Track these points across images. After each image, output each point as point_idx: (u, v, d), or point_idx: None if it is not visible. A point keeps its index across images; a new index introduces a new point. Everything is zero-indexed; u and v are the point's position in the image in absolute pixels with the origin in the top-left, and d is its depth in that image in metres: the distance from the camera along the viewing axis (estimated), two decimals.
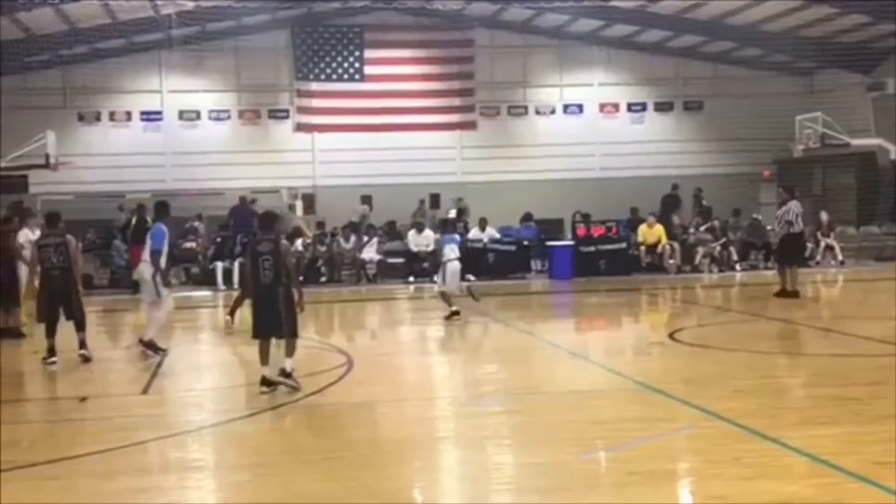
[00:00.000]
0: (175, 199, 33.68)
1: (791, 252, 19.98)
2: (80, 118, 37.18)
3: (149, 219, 25.21)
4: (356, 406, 9.91)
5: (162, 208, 14.18)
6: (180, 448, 8.32)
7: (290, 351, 10.56)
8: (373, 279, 25.57)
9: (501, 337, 15.83)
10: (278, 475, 7.21)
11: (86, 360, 12.88)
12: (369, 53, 38.17)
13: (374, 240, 26.63)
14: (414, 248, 25.92)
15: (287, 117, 38.56)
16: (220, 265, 23.69)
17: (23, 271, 15.71)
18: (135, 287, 22.44)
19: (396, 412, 9.75)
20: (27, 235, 18.08)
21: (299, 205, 34.53)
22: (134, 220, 25.25)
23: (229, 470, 7.57)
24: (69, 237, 13.55)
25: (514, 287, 23.93)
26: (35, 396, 11.18)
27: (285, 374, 10.43)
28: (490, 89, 38.85)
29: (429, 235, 25.97)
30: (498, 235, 27.19)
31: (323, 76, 38.26)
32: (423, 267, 25.50)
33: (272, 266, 10.36)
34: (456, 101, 38.87)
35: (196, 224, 28.17)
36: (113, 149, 36.67)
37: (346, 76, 38.28)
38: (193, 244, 26.48)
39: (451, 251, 16.82)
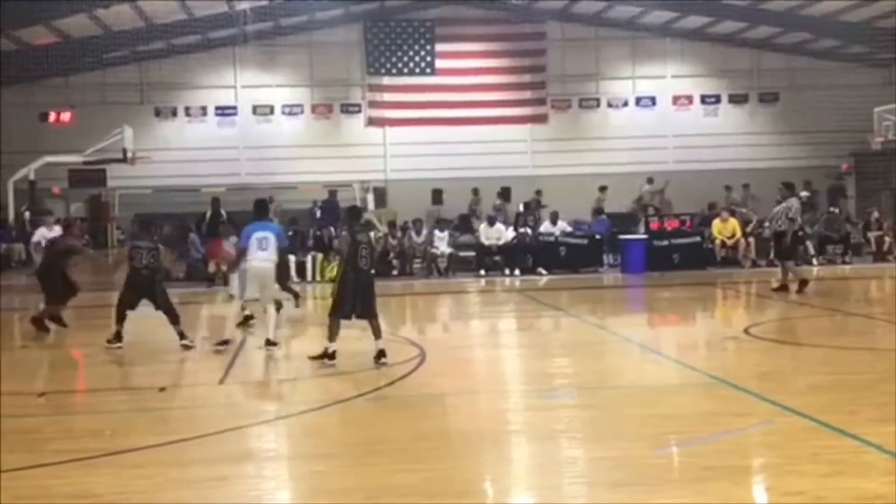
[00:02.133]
0: (248, 193, 34.43)
1: (793, 248, 20.50)
2: (157, 113, 37.84)
3: (223, 212, 25.65)
4: (430, 398, 9.95)
5: (260, 206, 14.23)
6: (257, 438, 8.45)
7: (380, 333, 11.70)
8: (444, 272, 25.63)
9: (573, 331, 15.78)
10: (355, 466, 7.29)
11: (187, 348, 13.39)
12: (440, 47, 38.26)
13: (446, 233, 26.69)
14: (485, 242, 25.93)
15: (359, 111, 38.82)
16: (292, 258, 23.89)
17: None
18: (210, 280, 22.82)
19: (469, 404, 9.78)
20: (44, 234, 18.52)
21: (371, 198, 34.75)
22: (209, 214, 25.62)
23: (306, 460, 7.66)
24: (161, 247, 14.16)
25: (586, 281, 23.82)
26: (115, 386, 11.40)
27: (383, 354, 11.53)
28: (562, 82, 38.69)
29: (500, 229, 25.97)
30: (570, 229, 27.08)
31: (394, 70, 38.44)
32: (494, 260, 25.51)
33: (369, 254, 11.75)
34: (527, 95, 38.79)
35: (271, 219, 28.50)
36: (188, 143, 37.27)
37: (417, 70, 38.42)
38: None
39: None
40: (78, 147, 31.65)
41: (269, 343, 12.98)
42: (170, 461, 7.51)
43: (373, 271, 12.22)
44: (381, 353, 11.58)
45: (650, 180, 33.77)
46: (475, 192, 33.38)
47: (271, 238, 13.26)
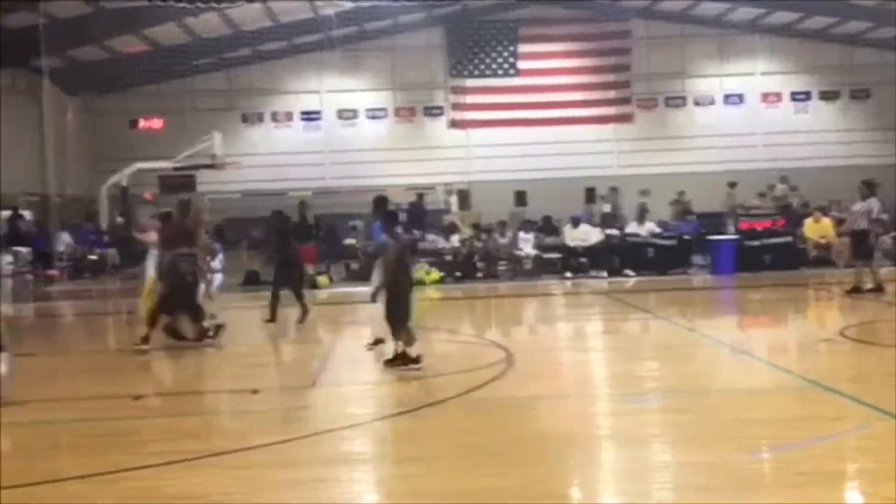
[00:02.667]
0: (333, 197, 34.88)
1: (869, 248, 20.01)
2: (245, 119, 38.50)
3: (309, 216, 25.99)
4: (518, 401, 9.98)
5: (381, 204, 14.33)
6: (350, 441, 8.56)
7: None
8: (529, 274, 25.60)
9: (662, 333, 15.64)
10: (447, 469, 7.35)
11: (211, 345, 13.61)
12: (523, 48, 38.26)
13: (531, 235, 26.66)
14: (570, 243, 25.84)
15: (442, 114, 39.01)
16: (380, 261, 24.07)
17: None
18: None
19: (559, 408, 9.78)
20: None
21: (454, 200, 34.88)
22: (296, 218, 25.94)
23: (400, 463, 7.75)
24: (210, 245, 14.31)
25: (674, 282, 23.58)
26: (209, 389, 11.64)
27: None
28: (647, 81, 38.41)
29: (586, 230, 25.86)
30: (657, 229, 26.84)
31: (477, 72, 38.54)
32: (579, 262, 25.40)
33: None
34: (612, 94, 38.59)
35: (356, 222, 28.81)
36: (275, 148, 37.87)
37: (500, 71, 38.47)
38: (354, 240, 27.06)
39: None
40: (168, 153, 32.36)
41: (378, 341, 13.21)
42: (269, 462, 7.66)
43: (458, 274, 12.30)
44: (413, 359, 11.61)
45: (784, 179, 32.96)
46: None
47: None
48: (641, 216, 26.79)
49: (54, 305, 22.88)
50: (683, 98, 38.72)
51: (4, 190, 29.32)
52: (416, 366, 11.56)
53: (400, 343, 11.62)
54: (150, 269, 16.21)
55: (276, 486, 7.01)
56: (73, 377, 12.41)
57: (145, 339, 13.67)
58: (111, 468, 7.45)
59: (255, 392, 10.63)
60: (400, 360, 11.64)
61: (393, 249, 11.89)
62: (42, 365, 13.61)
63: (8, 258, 28.65)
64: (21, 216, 30.82)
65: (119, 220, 33.17)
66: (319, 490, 6.89)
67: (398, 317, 11.62)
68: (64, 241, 30.39)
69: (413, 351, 11.67)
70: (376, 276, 13.22)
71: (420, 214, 28.45)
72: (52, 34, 27.86)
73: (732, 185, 31.54)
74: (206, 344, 13.78)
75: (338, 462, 7.71)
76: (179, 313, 13.96)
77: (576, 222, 26.49)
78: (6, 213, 30.32)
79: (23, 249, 29.46)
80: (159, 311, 13.95)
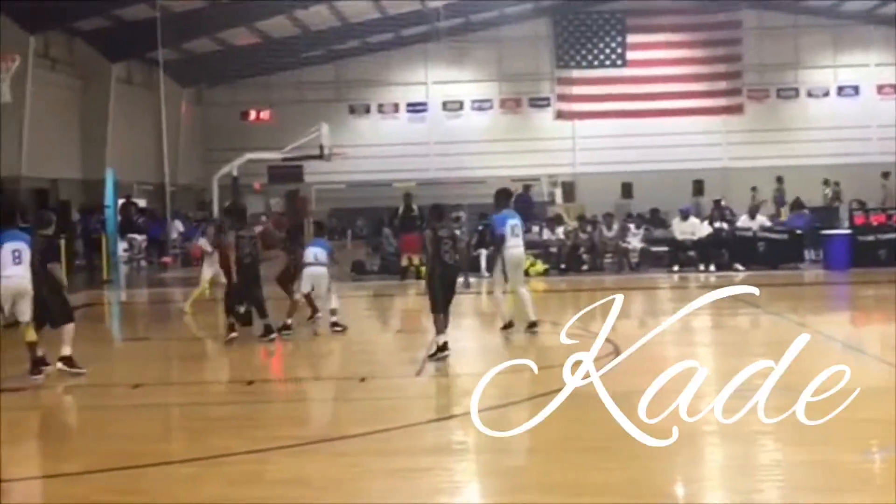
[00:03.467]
0: (437, 188, 35.00)
1: None
2: (352, 110, 38.91)
3: (415, 207, 26.11)
4: (625, 395, 9.84)
5: (503, 196, 14.59)
6: (454, 431, 8.57)
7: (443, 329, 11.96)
8: (635, 267, 25.29)
9: (772, 329, 15.28)
10: (552, 462, 7.31)
11: (271, 340, 13.42)
12: (631, 38, 37.85)
13: (640, 228, 26.33)
14: (679, 237, 25.44)
15: (548, 105, 38.82)
16: (483, 252, 24.08)
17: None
18: (403, 273, 23.29)
19: (665, 403, 9.62)
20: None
21: (559, 192, 34.67)
22: (401, 209, 26.10)
23: (504, 454, 7.70)
24: (267, 229, 14.21)
25: (786, 277, 23.00)
26: (316, 376, 11.77)
27: (444, 348, 11.76)
28: (758, 72, 37.63)
29: (694, 223, 25.42)
30: (768, 223, 26.23)
31: (584, 63, 38.25)
32: (687, 255, 24.99)
33: (451, 248, 12.15)
34: (721, 85, 37.91)
35: (460, 214, 28.88)
36: (381, 139, 38.18)
37: (607, 62, 38.10)
38: (458, 231, 27.05)
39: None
40: (277, 144, 32.85)
41: (532, 325, 13.33)
42: (374, 450, 7.72)
43: (563, 266, 12.44)
44: (441, 348, 11.78)
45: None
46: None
47: (519, 225, 14.07)
48: (753, 210, 26.23)
49: (167, 291, 23.45)
50: (796, 90, 37.82)
51: (120, 178, 30.16)
52: (442, 354, 11.75)
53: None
54: (207, 272, 16.69)
55: (379, 474, 7.06)
56: (185, 362, 12.71)
57: (230, 329, 13.55)
58: (220, 452, 7.59)
59: (362, 380, 10.72)
60: (438, 349, 11.80)
61: (430, 242, 12.18)
62: (155, 349, 13.96)
63: (123, 245, 29.49)
64: (135, 204, 31.67)
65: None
66: (422, 479, 6.91)
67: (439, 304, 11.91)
68: (177, 229, 31.14)
69: (441, 339, 11.86)
70: (498, 270, 13.71)
71: (527, 206, 28.32)
72: (168, 27, 28.55)
73: (886, 175, 30.52)
74: (272, 339, 13.50)
75: (441, 452, 7.72)
76: (246, 303, 13.71)
77: (684, 215, 26.01)
78: (121, 202, 31.20)
79: (137, 237, 30.29)
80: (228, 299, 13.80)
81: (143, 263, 29.77)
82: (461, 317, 17.95)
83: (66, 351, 11.03)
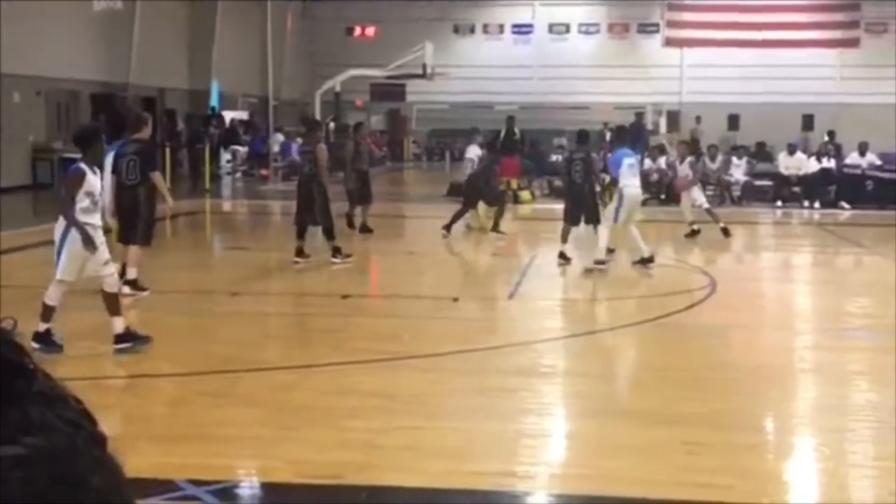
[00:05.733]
0: (539, 112, 34.70)
1: None
2: (456, 30, 38.60)
3: (517, 130, 25.92)
4: (720, 329, 9.76)
5: (622, 133, 14.57)
6: (543, 354, 8.59)
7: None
8: (737, 201, 24.80)
9: (877, 269, 14.87)
10: (642, 390, 7.31)
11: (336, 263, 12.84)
12: None
13: (743, 160, 25.75)
14: (784, 171, 24.83)
15: (657, 31, 38.01)
16: None
17: None
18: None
19: (760, 339, 9.51)
20: None
21: (663, 122, 34.06)
22: (503, 132, 25.93)
23: (594, 379, 7.72)
24: (321, 146, 13.28)
25: (894, 217, 22.36)
26: (411, 294, 11.87)
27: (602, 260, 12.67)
28: (877, 4, 36.14)
29: (801, 158, 24.78)
30: (878, 162, 25.42)
31: None
32: (792, 191, 24.40)
33: (582, 169, 13.11)
34: (838, 17, 36.60)
35: (563, 140, 28.65)
36: (484, 61, 37.84)
37: None
38: (560, 157, 26.80)
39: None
40: (381, 61, 32.82)
41: (599, 262, 12.89)
42: (461, 369, 7.80)
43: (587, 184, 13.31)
44: (561, 255, 13.02)
45: None
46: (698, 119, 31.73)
47: (636, 164, 13.95)
48: (864, 147, 25.41)
49: (267, 204, 23.83)
50: None
51: (225, 89, 30.57)
52: (562, 260, 13.01)
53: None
54: None
55: (465, 392, 7.13)
56: (284, 273, 12.93)
57: (298, 252, 12.92)
58: (314, 361, 7.74)
59: (455, 300, 10.79)
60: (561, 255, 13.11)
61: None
62: (255, 260, 14.24)
63: (227, 157, 29.99)
64: (240, 119, 32.10)
65: (331, 125, 34.07)
66: (507, 399, 6.96)
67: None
68: (278, 142, 31.51)
69: (564, 248, 13.17)
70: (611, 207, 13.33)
71: (640, 134, 27.82)
72: None
73: None
74: (334, 262, 12.91)
75: (528, 374, 7.75)
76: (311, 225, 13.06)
77: (791, 150, 25.36)
78: (227, 115, 31.66)
79: (240, 149, 30.74)
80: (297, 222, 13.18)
81: (241, 175, 30.25)
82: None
83: (132, 274, 10.36)
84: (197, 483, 5.09)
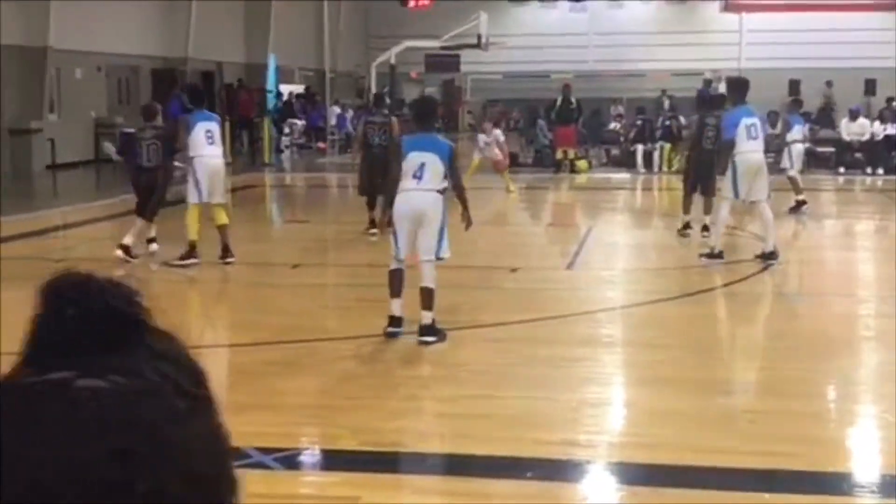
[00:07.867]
0: (595, 80, 34.43)
1: None
2: None
3: (573, 99, 25.77)
4: (782, 297, 9.73)
5: (737, 87, 12.31)
6: (605, 324, 8.63)
7: (709, 209, 12.59)
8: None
9: None
10: (699, 358, 7.31)
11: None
12: None
13: (805, 126, 25.36)
14: (846, 137, 24.45)
15: None
16: (640, 148, 23.72)
17: None
18: (557, 167, 23.15)
19: (822, 307, 9.45)
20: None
21: (722, 88, 33.59)
22: (559, 101, 25.79)
23: (651, 349, 7.73)
24: (393, 119, 13.27)
25: None
26: (469, 264, 11.91)
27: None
28: None
29: (864, 124, 24.37)
30: None
31: None
32: (854, 157, 24.03)
33: (714, 135, 12.36)
34: None
35: (619, 108, 28.43)
36: (540, 29, 37.58)
37: None
38: (617, 125, 26.63)
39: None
40: (436, 32, 32.73)
41: (769, 255, 11.20)
42: (525, 338, 7.85)
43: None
44: (685, 225, 12.95)
45: None
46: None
47: (759, 125, 11.63)
48: None
49: (324, 176, 24.01)
50: None
51: (282, 63, 30.71)
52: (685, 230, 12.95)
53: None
54: None
55: (530, 361, 7.19)
56: (341, 244, 13.07)
57: (371, 223, 12.63)
58: (372, 331, 7.83)
59: (513, 270, 10.83)
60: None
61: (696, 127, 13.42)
62: (314, 232, 14.40)
63: (285, 130, 30.20)
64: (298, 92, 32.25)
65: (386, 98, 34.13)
66: (569, 368, 7.02)
67: None
68: (335, 115, 31.64)
69: (685, 218, 13.17)
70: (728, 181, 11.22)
71: (708, 100, 27.46)
72: None
73: None
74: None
75: (590, 343, 7.79)
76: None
77: (854, 115, 24.95)
78: (286, 89, 31.83)
79: (297, 122, 30.93)
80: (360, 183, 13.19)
81: (298, 149, 30.43)
82: (617, 212, 17.87)
83: (128, 240, 10.64)
84: (265, 451, 5.21)
